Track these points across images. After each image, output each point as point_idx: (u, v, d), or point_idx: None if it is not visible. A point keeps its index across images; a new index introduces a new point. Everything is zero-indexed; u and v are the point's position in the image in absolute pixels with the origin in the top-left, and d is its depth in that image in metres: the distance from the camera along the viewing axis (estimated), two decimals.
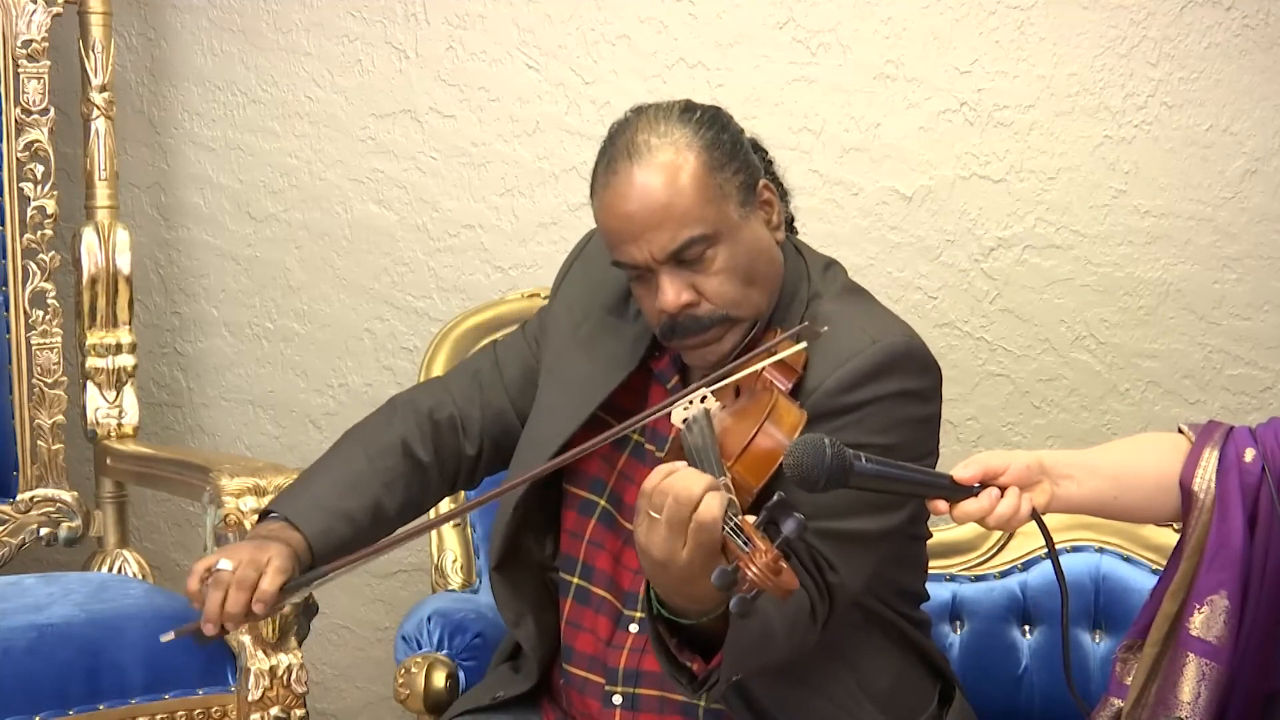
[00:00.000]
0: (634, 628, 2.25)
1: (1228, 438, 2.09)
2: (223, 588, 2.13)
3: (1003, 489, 1.99)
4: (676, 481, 1.91)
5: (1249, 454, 2.06)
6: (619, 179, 2.13)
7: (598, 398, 2.26)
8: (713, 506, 1.88)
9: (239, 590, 2.13)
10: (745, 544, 1.83)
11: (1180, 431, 2.14)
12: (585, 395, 2.27)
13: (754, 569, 1.80)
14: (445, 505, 2.61)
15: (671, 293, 2.13)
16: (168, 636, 2.23)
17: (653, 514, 1.92)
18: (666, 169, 2.12)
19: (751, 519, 1.87)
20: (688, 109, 2.18)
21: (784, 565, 1.81)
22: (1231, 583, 2.03)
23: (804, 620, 2.08)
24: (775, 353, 2.10)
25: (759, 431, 2.01)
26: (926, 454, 2.18)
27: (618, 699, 2.24)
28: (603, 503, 2.29)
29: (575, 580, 2.30)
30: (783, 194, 2.31)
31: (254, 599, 2.13)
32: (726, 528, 1.87)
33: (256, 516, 2.34)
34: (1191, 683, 2.05)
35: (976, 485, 1.99)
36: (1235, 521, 2.04)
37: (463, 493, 2.57)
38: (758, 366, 2.09)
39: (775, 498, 1.85)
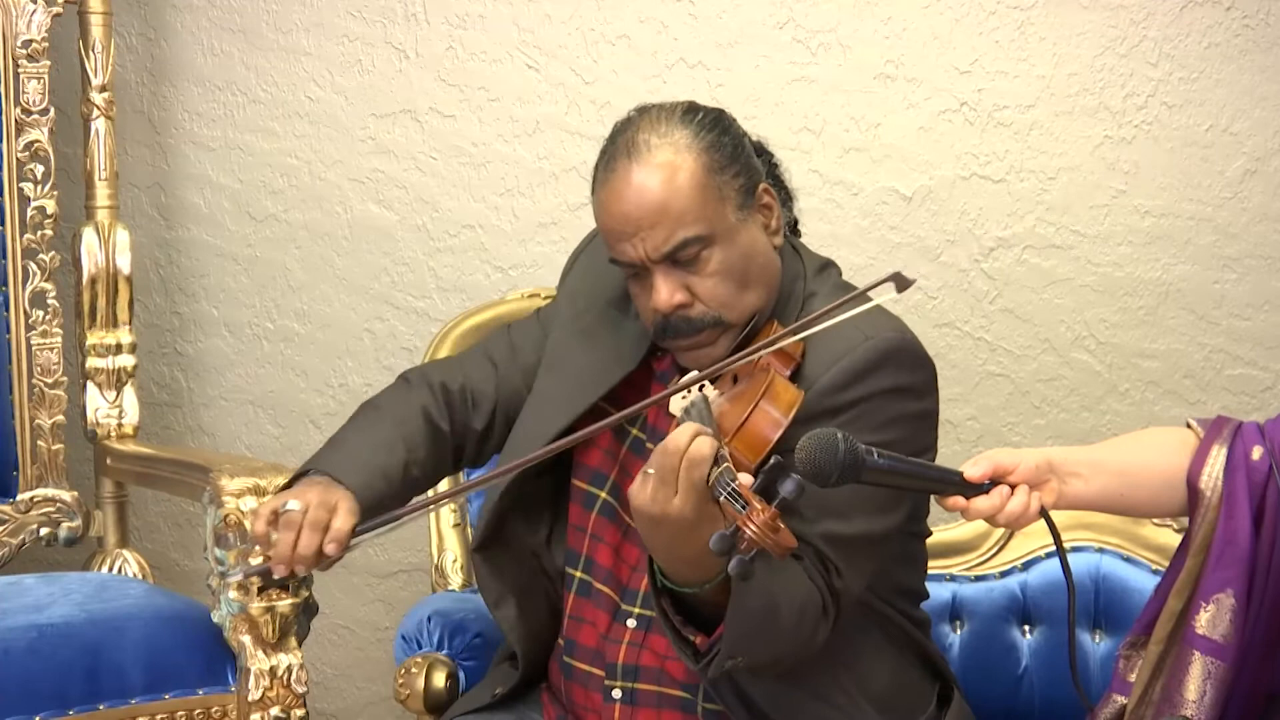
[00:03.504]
0: (632, 622, 2.25)
1: (1236, 434, 2.09)
2: (294, 529, 2.14)
3: (1012, 487, 2.00)
4: (668, 439, 1.94)
5: (1257, 451, 2.06)
6: (617, 177, 2.15)
7: (597, 391, 2.27)
8: (702, 446, 1.92)
9: (312, 531, 2.13)
10: (743, 506, 1.85)
11: (1189, 426, 2.14)
12: (583, 387, 2.28)
13: (752, 527, 1.82)
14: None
15: (665, 292, 2.14)
16: (235, 576, 2.25)
17: (647, 470, 1.95)
18: (664, 169, 2.13)
19: (748, 480, 1.89)
20: (690, 110, 2.19)
21: (782, 524, 1.83)
22: (1237, 581, 2.04)
23: (813, 612, 2.08)
24: (773, 345, 2.11)
25: (755, 408, 2.04)
26: (924, 449, 2.18)
27: (617, 693, 2.25)
28: (604, 495, 2.30)
29: (578, 574, 2.31)
30: (786, 198, 2.32)
31: (327, 540, 2.14)
32: (723, 493, 1.88)
33: (283, 484, 2.32)
34: (1197, 681, 2.05)
35: (987, 483, 1.99)
36: (1242, 519, 2.04)
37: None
38: (756, 355, 2.10)
39: (772, 461, 1.86)
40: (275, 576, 2.19)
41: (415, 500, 2.26)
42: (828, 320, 2.09)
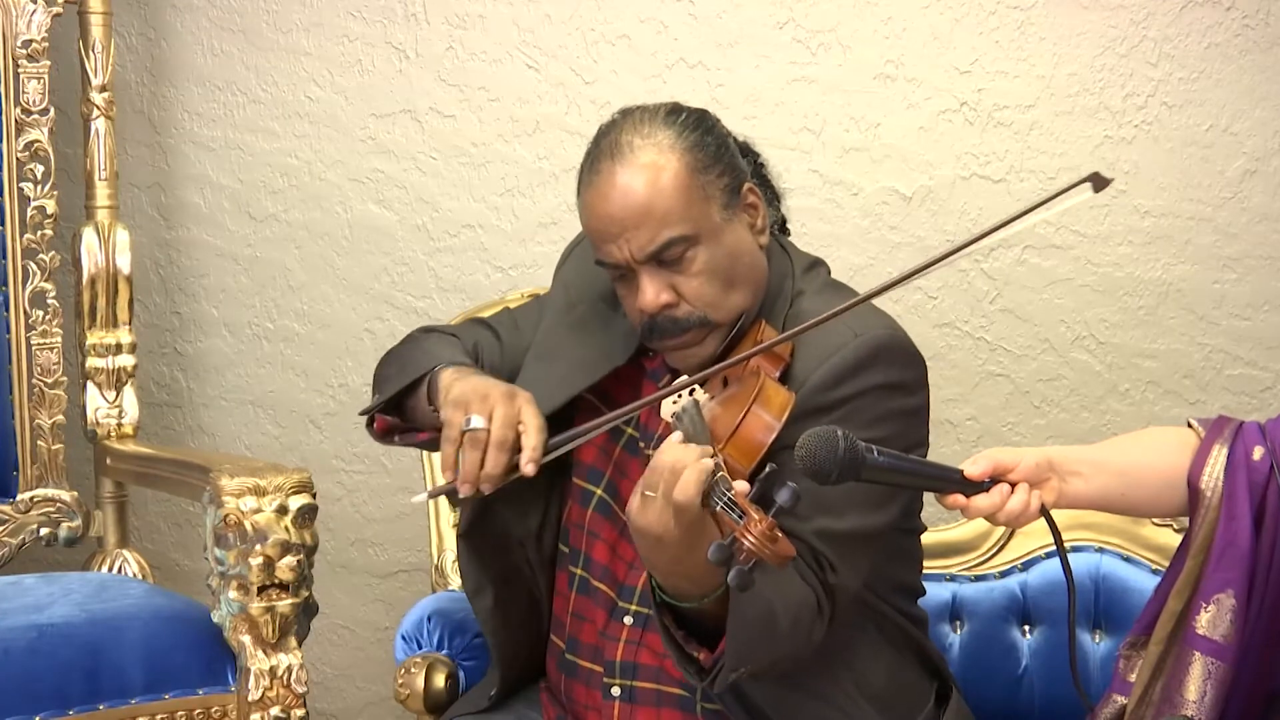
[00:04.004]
0: (629, 620, 2.25)
1: (1237, 434, 2.09)
2: (480, 447, 2.09)
3: (1013, 485, 2.00)
4: (666, 457, 1.93)
5: (1258, 452, 2.06)
6: (601, 179, 2.15)
7: (581, 383, 2.27)
8: (701, 465, 1.91)
9: (499, 451, 2.09)
10: (740, 516, 1.85)
11: (1189, 426, 2.14)
12: (570, 378, 2.28)
13: (750, 538, 1.82)
14: None
15: (651, 293, 2.14)
16: (420, 498, 2.18)
17: (648, 493, 1.95)
18: (648, 170, 2.13)
19: (744, 488, 1.89)
20: (674, 111, 2.19)
21: (779, 534, 1.83)
22: (1238, 582, 2.03)
23: (809, 614, 2.08)
24: (765, 349, 2.11)
25: (747, 413, 2.03)
26: (916, 445, 2.19)
27: (616, 691, 2.25)
28: (600, 492, 2.30)
29: (579, 572, 2.31)
30: (773, 197, 2.32)
31: (524, 460, 2.09)
32: (720, 503, 1.88)
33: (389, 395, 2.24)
34: (1197, 681, 2.05)
35: (987, 481, 1.99)
36: (1243, 520, 2.04)
37: None
38: (745, 357, 2.10)
39: (767, 469, 1.86)
40: (461, 496, 2.11)
41: (603, 417, 2.16)
42: (825, 322, 2.09)
